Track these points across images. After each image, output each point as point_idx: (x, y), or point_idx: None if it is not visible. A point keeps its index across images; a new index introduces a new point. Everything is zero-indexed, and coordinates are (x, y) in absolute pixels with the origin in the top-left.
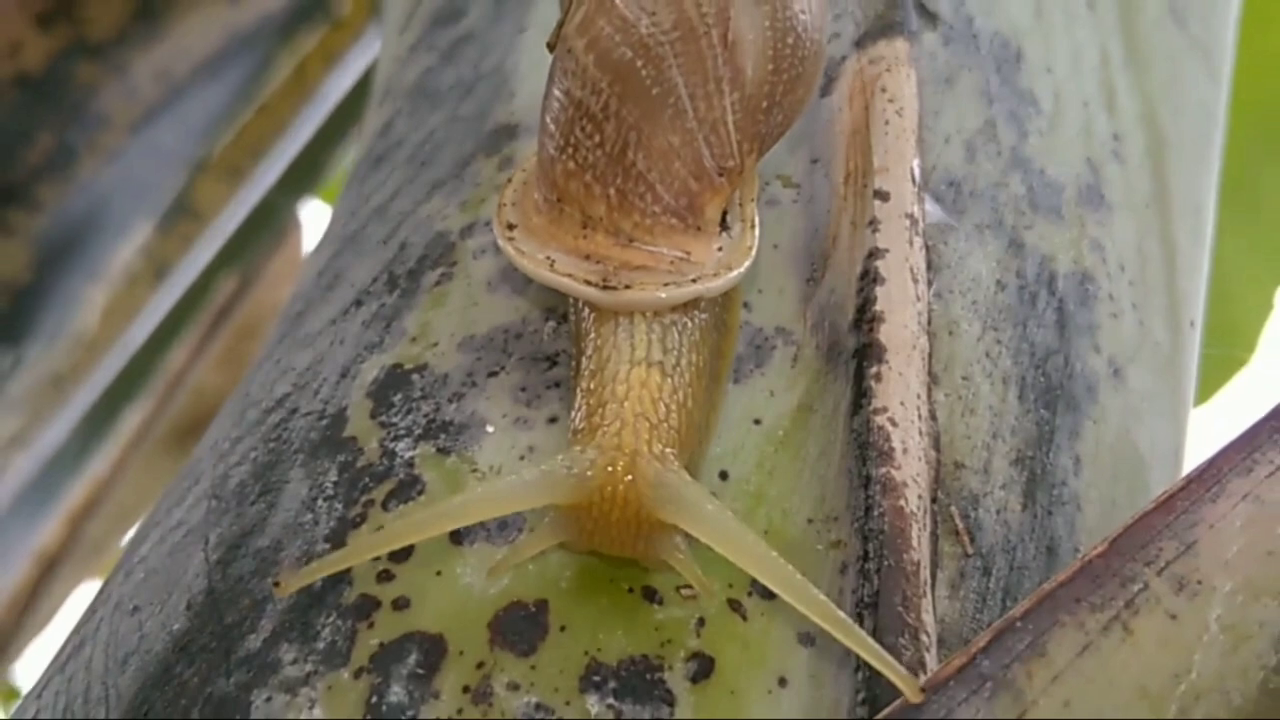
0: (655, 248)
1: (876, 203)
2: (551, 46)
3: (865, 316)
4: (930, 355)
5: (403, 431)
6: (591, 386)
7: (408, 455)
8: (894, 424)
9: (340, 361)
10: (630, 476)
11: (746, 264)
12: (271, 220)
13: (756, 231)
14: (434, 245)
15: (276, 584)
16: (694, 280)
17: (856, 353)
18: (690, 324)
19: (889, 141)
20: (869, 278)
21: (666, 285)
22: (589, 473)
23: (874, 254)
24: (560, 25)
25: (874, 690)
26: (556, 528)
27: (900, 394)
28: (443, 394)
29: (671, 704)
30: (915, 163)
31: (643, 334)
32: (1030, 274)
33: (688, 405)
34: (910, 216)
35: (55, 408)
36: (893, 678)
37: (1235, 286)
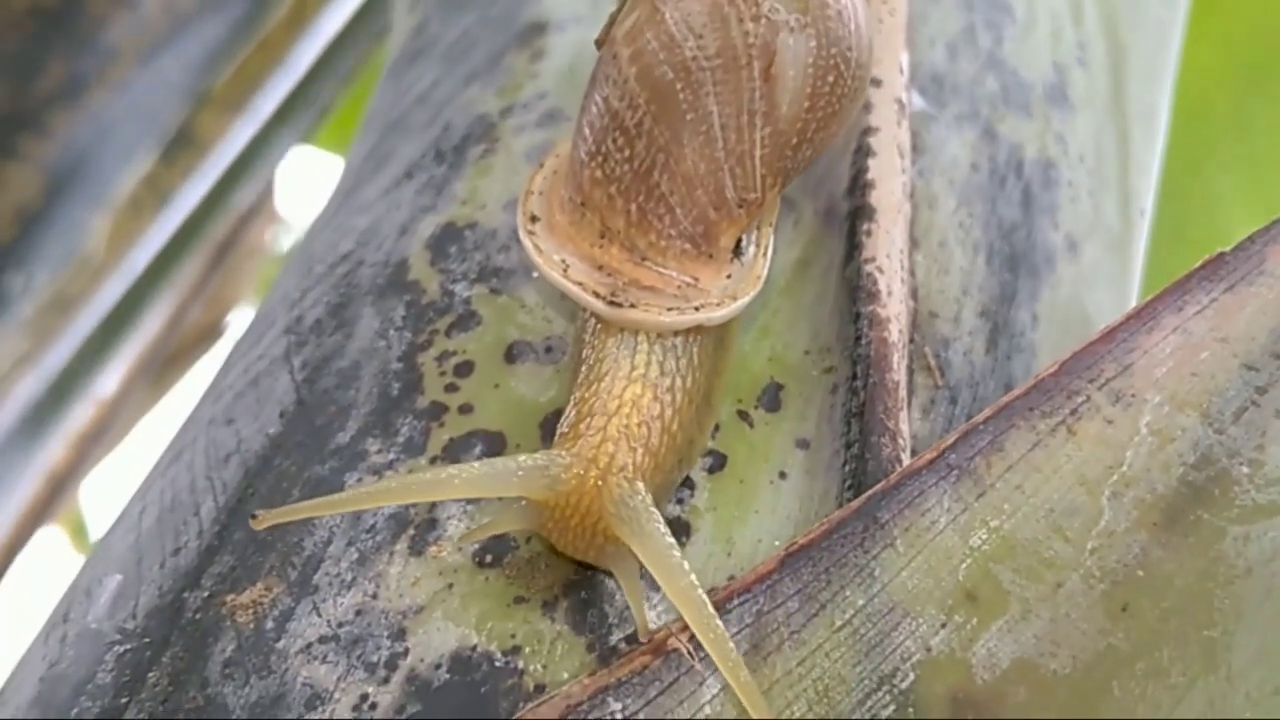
0: (665, 270)
1: (870, 89)
2: (600, 44)
3: (858, 184)
4: (912, 222)
5: (459, 276)
6: (585, 395)
7: (465, 295)
8: (881, 271)
9: (398, 221)
10: (597, 490)
11: (752, 294)
12: (267, 153)
13: (768, 259)
14: (476, 125)
15: (253, 516)
16: (698, 308)
17: (850, 214)
18: (692, 348)
19: (882, 39)
20: (862, 152)
21: (670, 310)
22: (562, 476)
23: (867, 131)
24: (610, 25)
25: (859, 479)
26: (524, 515)
27: (886, 248)
28: (493, 245)
29: (692, 489)
30: (904, 57)
31: (644, 354)
32: (1001, 159)
33: (672, 428)
34: (899, 101)
35: (62, 329)
36: (751, 707)
37: (1231, 222)
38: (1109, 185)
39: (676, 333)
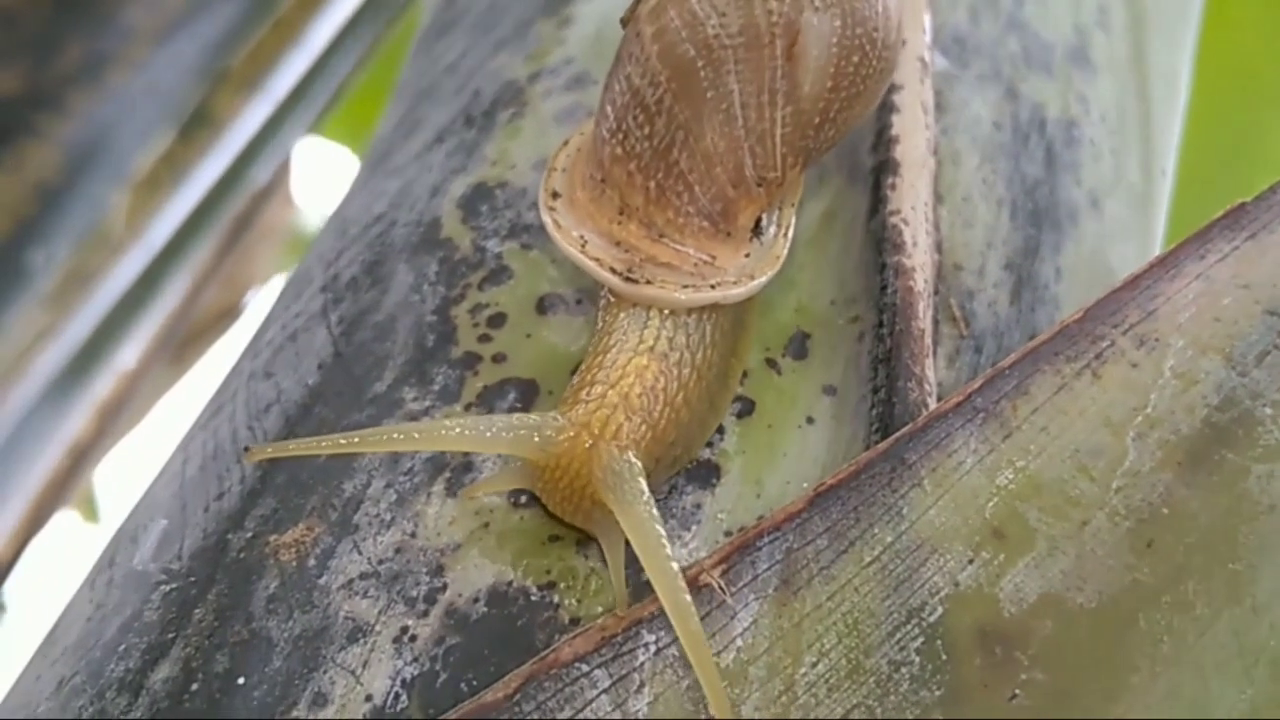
0: (683, 247)
1: None
2: (625, 23)
3: (883, 139)
4: (936, 178)
5: (490, 233)
6: (591, 364)
7: (496, 250)
8: (906, 223)
9: (429, 183)
10: (587, 454)
11: (770, 274)
12: (283, 132)
13: (789, 238)
14: (504, 90)
15: (247, 449)
16: (713, 286)
17: (874, 169)
18: (706, 326)
19: (905, 1)
20: (886, 108)
21: (686, 287)
22: (555, 438)
23: (891, 89)
24: (635, 3)
25: (886, 424)
26: (519, 475)
27: (911, 200)
28: (522, 203)
29: (722, 433)
30: (927, 18)
31: (654, 328)
32: (1024, 118)
33: (676, 402)
34: (922, 60)
35: (82, 303)
36: (711, 694)
37: None
38: (1130, 144)
39: (690, 310)
